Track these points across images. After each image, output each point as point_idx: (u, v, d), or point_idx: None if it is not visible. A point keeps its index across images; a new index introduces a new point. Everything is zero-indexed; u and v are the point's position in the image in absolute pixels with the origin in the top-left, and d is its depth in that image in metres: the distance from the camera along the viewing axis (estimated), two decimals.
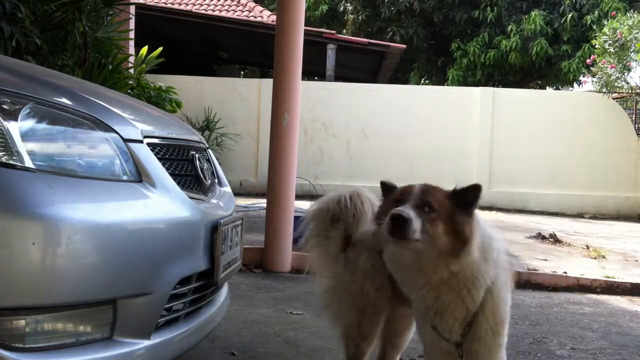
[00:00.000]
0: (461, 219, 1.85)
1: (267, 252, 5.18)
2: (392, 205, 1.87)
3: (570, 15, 15.24)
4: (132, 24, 6.31)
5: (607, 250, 6.86)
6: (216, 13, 14.44)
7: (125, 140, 1.84)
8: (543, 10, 15.53)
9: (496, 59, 15.88)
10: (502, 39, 15.72)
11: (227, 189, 2.69)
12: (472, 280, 1.88)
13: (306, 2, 16.69)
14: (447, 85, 16.30)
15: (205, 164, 2.41)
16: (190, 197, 2.05)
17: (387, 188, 2.10)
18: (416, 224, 1.77)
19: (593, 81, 13.06)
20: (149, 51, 6.53)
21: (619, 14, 12.45)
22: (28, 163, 1.55)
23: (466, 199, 1.89)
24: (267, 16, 14.30)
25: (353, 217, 2.41)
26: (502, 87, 16.12)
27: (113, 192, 1.74)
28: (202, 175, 2.29)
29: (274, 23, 5.87)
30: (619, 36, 11.29)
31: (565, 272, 5.31)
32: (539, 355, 3.25)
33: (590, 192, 12.10)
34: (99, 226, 1.62)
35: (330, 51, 13.50)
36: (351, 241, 2.40)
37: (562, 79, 16.39)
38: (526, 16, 15.37)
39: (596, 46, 11.97)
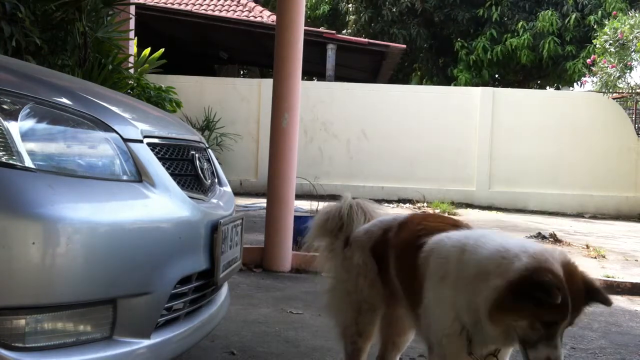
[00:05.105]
0: None
1: (267, 251, 5.18)
2: (543, 321, 1.66)
3: (574, 16, 15.23)
4: (132, 24, 6.32)
5: (607, 249, 6.86)
6: (216, 13, 14.44)
7: (125, 140, 1.84)
8: (546, 10, 15.54)
9: (503, 55, 15.84)
10: (510, 37, 15.70)
11: (227, 188, 2.69)
12: None
13: (307, 2, 16.71)
14: (455, 86, 16.29)
15: (205, 163, 2.41)
16: (190, 197, 2.05)
17: (541, 290, 1.64)
18: None
19: (593, 81, 13.06)
20: (150, 52, 6.53)
21: (620, 14, 12.44)
22: (28, 163, 1.55)
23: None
24: (267, 16, 14.30)
25: (353, 225, 2.48)
26: (503, 87, 16.12)
27: (113, 192, 1.74)
28: (202, 175, 2.29)
29: (274, 23, 5.87)
30: (619, 36, 11.28)
31: None
32: None
33: (590, 191, 12.10)
34: (99, 226, 1.62)
35: (330, 51, 13.49)
36: (349, 241, 2.45)
37: (566, 79, 16.39)
38: (541, 13, 15.35)
39: (597, 46, 11.97)
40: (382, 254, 2.28)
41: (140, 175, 1.83)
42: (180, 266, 1.91)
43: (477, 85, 15.25)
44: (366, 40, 14.59)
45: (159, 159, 1.97)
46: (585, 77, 15.65)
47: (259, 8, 15.19)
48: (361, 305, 2.34)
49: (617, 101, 12.69)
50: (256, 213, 8.04)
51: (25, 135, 1.59)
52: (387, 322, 2.44)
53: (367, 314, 2.35)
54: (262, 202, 8.36)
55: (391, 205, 11.16)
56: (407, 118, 12.36)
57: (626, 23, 11.30)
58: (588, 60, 13.64)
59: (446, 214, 9.78)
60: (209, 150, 2.69)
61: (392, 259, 2.22)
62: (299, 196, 5.84)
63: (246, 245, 4.04)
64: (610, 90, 11.78)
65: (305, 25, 5.40)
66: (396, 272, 2.20)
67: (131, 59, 6.34)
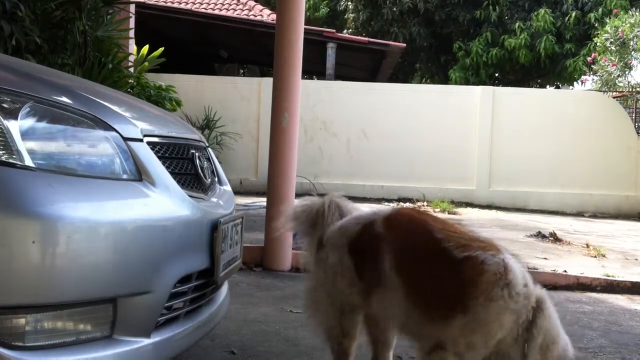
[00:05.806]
0: None
1: (267, 250, 5.18)
2: None
3: (574, 14, 15.21)
4: (132, 23, 6.32)
5: (607, 248, 6.86)
6: (216, 12, 14.44)
7: (126, 139, 1.84)
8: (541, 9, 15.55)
9: (499, 58, 15.85)
10: (508, 38, 15.67)
11: (227, 187, 2.69)
12: None
13: (307, 3, 16.67)
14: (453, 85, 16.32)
15: (205, 162, 2.41)
16: (190, 196, 2.05)
17: None
18: None
19: (593, 79, 13.05)
20: (149, 50, 6.53)
21: (622, 12, 12.44)
22: (28, 162, 1.55)
23: None
24: (267, 15, 14.30)
25: (328, 223, 2.43)
26: (503, 86, 16.12)
27: (113, 191, 1.74)
28: (202, 174, 2.29)
29: (274, 22, 5.87)
30: (620, 34, 11.28)
31: (565, 271, 5.31)
32: None
33: (590, 190, 12.10)
34: (99, 225, 1.62)
35: (330, 50, 13.49)
36: (323, 242, 2.40)
37: (566, 77, 16.37)
38: (535, 13, 15.35)
39: (597, 44, 11.96)
40: (364, 250, 2.23)
41: (140, 174, 1.83)
42: (180, 265, 1.91)
43: (473, 84, 15.26)
44: (366, 39, 14.58)
45: (159, 157, 1.96)
46: (585, 75, 15.64)
47: (259, 7, 15.18)
48: (343, 306, 2.31)
49: (617, 100, 12.68)
50: (256, 212, 8.04)
51: (25, 134, 1.59)
52: (370, 321, 2.38)
53: (349, 314, 2.32)
54: (262, 201, 8.36)
55: (391, 204, 11.16)
56: (407, 117, 12.35)
57: (627, 21, 11.30)
58: (589, 59, 13.63)
59: (446, 213, 9.79)
60: (209, 149, 2.70)
61: (390, 255, 2.15)
62: (299, 195, 5.82)
63: (246, 244, 4.04)
64: (611, 89, 11.78)
65: (304, 24, 5.39)
66: (399, 267, 2.13)
67: (131, 58, 6.33)
